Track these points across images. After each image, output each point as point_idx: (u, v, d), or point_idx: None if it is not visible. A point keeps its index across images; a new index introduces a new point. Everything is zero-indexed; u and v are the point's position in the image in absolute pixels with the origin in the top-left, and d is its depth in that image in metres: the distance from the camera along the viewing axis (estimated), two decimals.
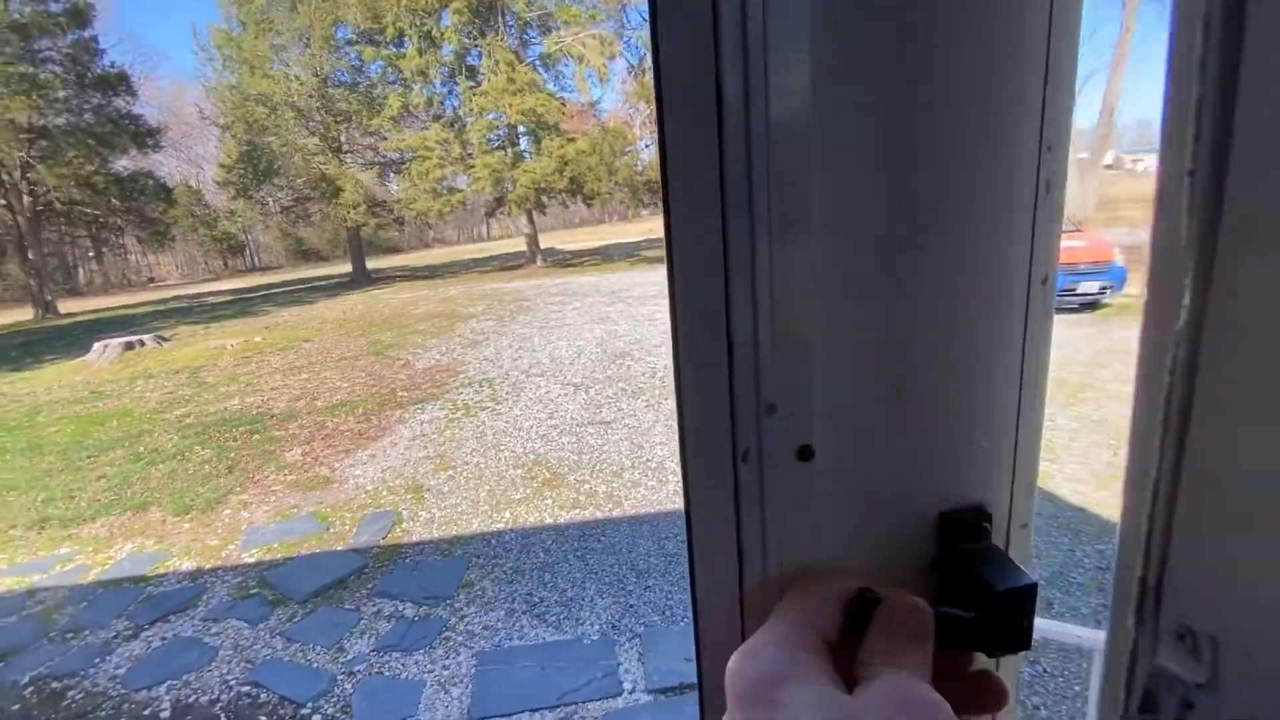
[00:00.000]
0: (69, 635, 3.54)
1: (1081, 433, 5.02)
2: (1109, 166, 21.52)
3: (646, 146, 24.43)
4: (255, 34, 23.23)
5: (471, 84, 23.27)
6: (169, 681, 3.07)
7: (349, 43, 24.51)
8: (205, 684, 3.03)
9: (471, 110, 22.86)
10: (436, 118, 25.36)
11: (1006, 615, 0.33)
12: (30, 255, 26.22)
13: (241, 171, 25.45)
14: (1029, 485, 0.39)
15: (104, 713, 2.89)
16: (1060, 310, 7.23)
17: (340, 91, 24.52)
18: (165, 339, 14.24)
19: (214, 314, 21.02)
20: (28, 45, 23.88)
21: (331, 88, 24.34)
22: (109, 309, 28.61)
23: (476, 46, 23.27)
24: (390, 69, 24.73)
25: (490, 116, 23.75)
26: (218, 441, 6.73)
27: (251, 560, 4.21)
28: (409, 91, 24.31)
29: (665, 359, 8.56)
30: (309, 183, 25.20)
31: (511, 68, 21.94)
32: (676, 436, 0.38)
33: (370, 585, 3.76)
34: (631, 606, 3.32)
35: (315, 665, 3.09)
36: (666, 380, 7.57)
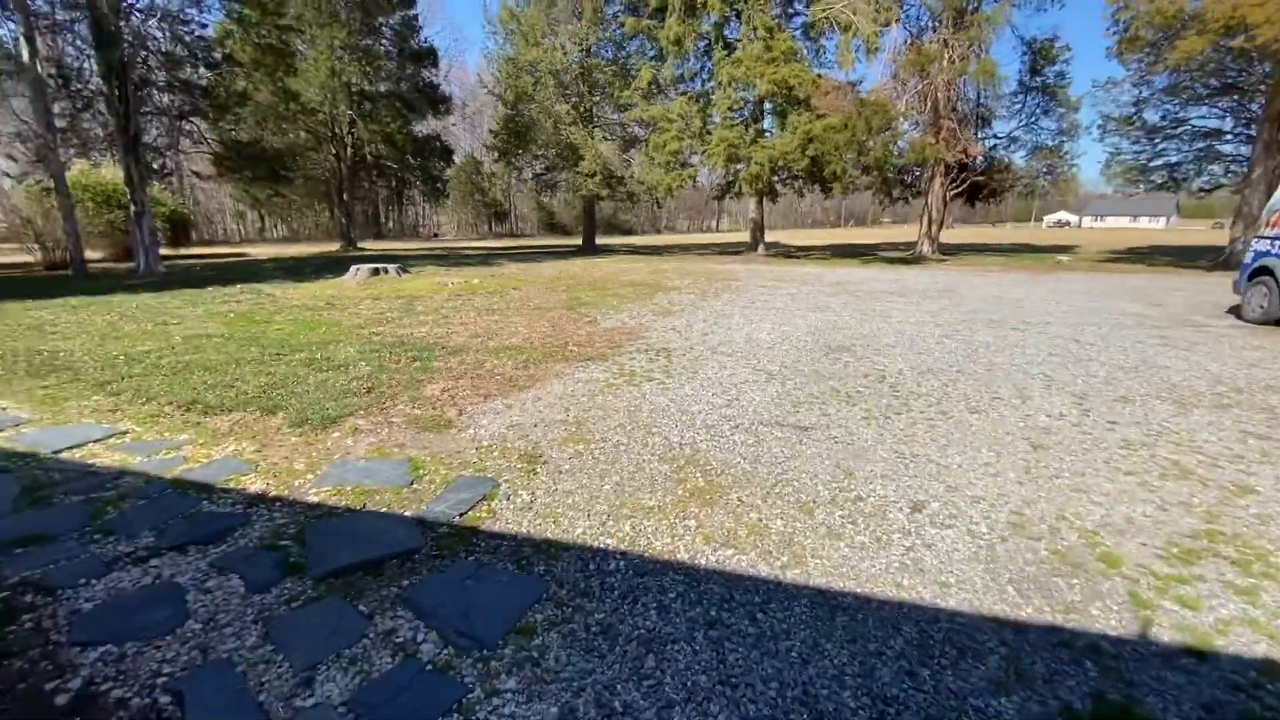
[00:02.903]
0: (95, 537, 2.91)
1: None
2: None
3: (914, 126, 21.04)
4: (536, 7, 24.85)
5: (726, 54, 22.15)
6: (104, 648, 2.15)
7: (616, 15, 25.05)
8: (129, 671, 2.04)
9: (720, 81, 21.76)
10: (684, 93, 24.84)
11: None
12: (345, 198, 31.75)
13: (505, 137, 27.73)
14: None
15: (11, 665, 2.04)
16: None
17: (599, 63, 25.21)
18: (406, 271, 15.54)
19: (459, 261, 23.09)
20: (368, 20, 28.51)
21: (592, 59, 25.11)
22: (395, 249, 33.54)
23: (736, 14, 22.05)
24: (649, 41, 24.74)
25: (737, 93, 22.44)
26: (382, 361, 6.35)
27: (314, 499, 3.32)
28: (661, 64, 24.06)
29: (901, 363, 6.38)
30: (559, 151, 26.50)
31: (770, 34, 20.28)
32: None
33: (406, 583, 2.56)
34: None
35: (261, 700, 1.92)
36: (902, 389, 5.45)
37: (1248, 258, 9.58)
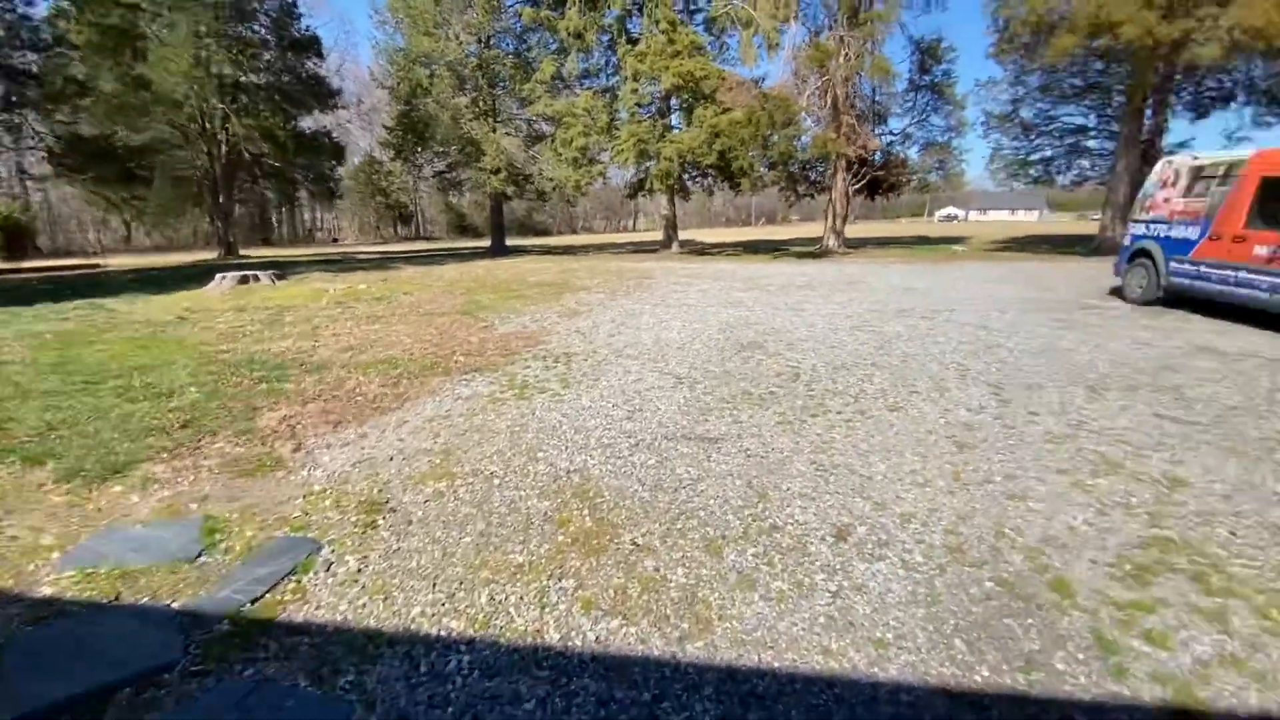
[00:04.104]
0: None
1: None
2: None
3: (816, 122, 21.37)
4: None
5: (630, 47, 21.66)
6: None
7: (513, 5, 24.00)
8: None
9: (625, 75, 21.23)
10: (589, 88, 24.18)
11: None
12: (221, 200, 28.80)
13: (400, 133, 26.00)
14: None
15: None
16: None
17: (498, 54, 24.06)
18: (281, 278, 13.97)
19: (352, 266, 21.34)
20: (239, 5, 25.91)
21: (490, 50, 23.94)
22: (283, 256, 30.89)
23: (638, 7, 21.61)
24: (550, 34, 23.87)
25: (644, 87, 22.01)
26: (219, 384, 5.27)
27: (47, 592, 2.38)
28: (564, 57, 23.26)
29: (814, 358, 5.99)
30: (460, 147, 25.12)
31: (673, 27, 19.96)
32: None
33: None
34: None
35: None
36: (817, 387, 5.02)
37: (1126, 241, 10.05)
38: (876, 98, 23.38)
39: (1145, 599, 2.29)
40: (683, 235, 31.02)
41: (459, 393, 5.01)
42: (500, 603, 2.28)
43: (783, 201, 30.82)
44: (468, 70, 23.73)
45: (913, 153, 25.56)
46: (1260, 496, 3.06)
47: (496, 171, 23.68)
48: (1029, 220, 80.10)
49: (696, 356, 6.20)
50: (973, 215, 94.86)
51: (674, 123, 24.26)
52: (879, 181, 24.69)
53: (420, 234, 70.07)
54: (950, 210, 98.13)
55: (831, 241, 24.18)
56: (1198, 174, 8.82)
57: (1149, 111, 20.07)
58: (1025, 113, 24.07)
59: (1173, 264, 8.83)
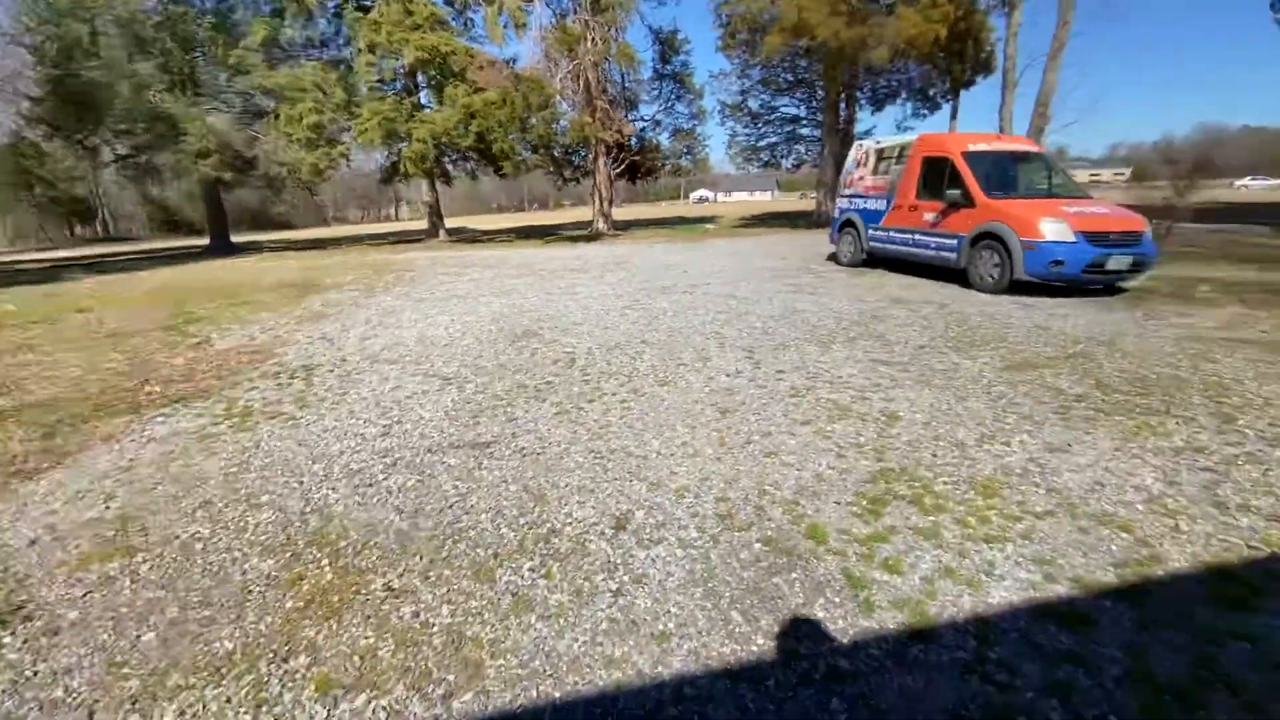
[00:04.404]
0: None
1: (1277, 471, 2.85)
2: None
3: (572, 107, 21.48)
4: None
5: (361, 15, 19.44)
6: None
7: None
8: None
9: (360, 46, 19.03)
10: (318, 59, 21.30)
11: None
12: None
13: (56, 105, 20.24)
14: None
15: None
16: (1082, 293, 4.85)
17: (187, 13, 19.91)
18: None
19: (6, 283, 16.29)
20: None
21: (176, 5, 19.69)
22: None
23: None
24: None
25: (384, 61, 20.01)
26: None
27: None
28: (281, 21, 20.10)
29: (589, 341, 5.95)
30: (147, 125, 20.38)
31: None
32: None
33: None
34: None
35: None
36: (592, 371, 4.94)
37: (836, 214, 11.81)
38: (626, 84, 24.36)
39: (880, 530, 2.55)
40: (452, 223, 29.44)
41: (151, 434, 3.93)
42: (195, 716, 1.72)
43: (553, 186, 30.78)
44: (148, 29, 19.22)
45: (664, 138, 27.27)
46: (948, 419, 3.68)
47: (205, 155, 19.73)
48: (765, 199, 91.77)
49: (467, 352, 5.74)
50: (720, 197, 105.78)
51: (424, 101, 22.58)
52: (637, 166, 25.93)
53: (109, 234, 56.58)
54: (703, 192, 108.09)
55: (601, 224, 24.85)
56: (881, 155, 10.65)
57: (843, 104, 24.00)
58: (752, 103, 27.15)
59: (870, 231, 10.59)
